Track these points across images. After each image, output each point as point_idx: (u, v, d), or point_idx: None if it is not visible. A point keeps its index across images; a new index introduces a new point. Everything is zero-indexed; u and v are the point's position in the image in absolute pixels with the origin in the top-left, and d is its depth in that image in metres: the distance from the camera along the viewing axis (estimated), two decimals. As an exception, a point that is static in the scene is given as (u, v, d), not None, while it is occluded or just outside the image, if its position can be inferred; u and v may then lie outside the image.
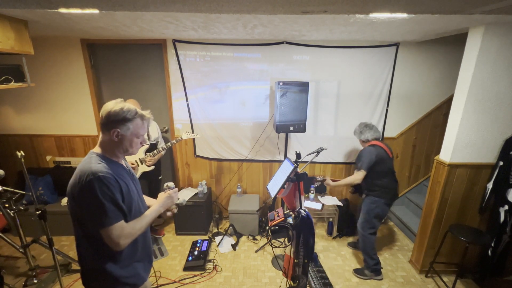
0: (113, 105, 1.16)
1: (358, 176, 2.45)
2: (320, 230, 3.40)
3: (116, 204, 1.11)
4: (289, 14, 1.79)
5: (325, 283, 2.50)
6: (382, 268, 2.61)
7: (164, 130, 3.24)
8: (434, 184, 2.48)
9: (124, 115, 1.15)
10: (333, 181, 2.66)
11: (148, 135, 2.86)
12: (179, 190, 3.37)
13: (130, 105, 1.19)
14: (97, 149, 1.21)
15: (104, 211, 1.07)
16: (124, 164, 1.31)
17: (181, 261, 2.81)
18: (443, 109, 3.26)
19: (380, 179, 2.45)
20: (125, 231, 1.13)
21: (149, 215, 1.28)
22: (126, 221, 1.17)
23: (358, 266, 2.73)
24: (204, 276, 2.60)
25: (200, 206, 3.16)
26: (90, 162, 1.13)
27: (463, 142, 2.26)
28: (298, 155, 1.96)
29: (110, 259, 1.19)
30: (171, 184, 1.47)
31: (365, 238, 2.52)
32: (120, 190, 1.14)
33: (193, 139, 3.38)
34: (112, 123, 1.15)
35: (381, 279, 2.56)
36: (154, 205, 1.34)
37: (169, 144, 2.86)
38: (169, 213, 1.45)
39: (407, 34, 2.57)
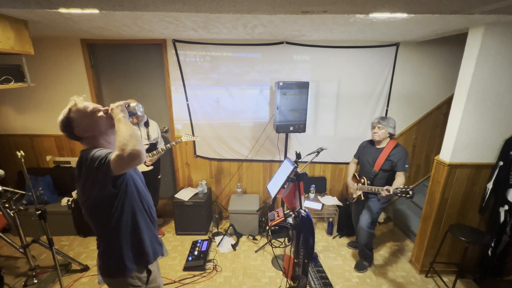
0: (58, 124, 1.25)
1: (404, 179, 2.38)
2: (320, 230, 3.40)
3: (106, 151, 1.16)
4: (289, 14, 1.79)
5: (325, 283, 2.50)
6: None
7: (164, 130, 3.24)
8: (434, 184, 2.48)
9: (61, 118, 1.23)
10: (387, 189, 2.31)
11: (148, 135, 2.86)
12: (178, 190, 3.37)
13: (63, 110, 1.26)
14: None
15: (101, 155, 1.12)
16: None
17: (181, 261, 2.81)
18: (443, 109, 3.26)
19: None
20: (119, 140, 1.10)
21: (118, 124, 1.16)
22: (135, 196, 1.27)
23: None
24: (204, 276, 2.60)
25: (200, 206, 3.16)
26: (83, 150, 1.22)
27: (463, 142, 2.26)
28: (298, 155, 1.96)
29: (126, 244, 1.27)
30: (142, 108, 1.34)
31: (370, 235, 2.57)
32: None
33: (193, 139, 3.39)
34: (69, 131, 1.23)
35: (372, 264, 2.76)
36: (115, 121, 1.20)
37: (168, 145, 2.86)
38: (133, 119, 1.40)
39: (407, 34, 2.57)
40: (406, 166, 2.38)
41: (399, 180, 2.39)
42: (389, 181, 2.47)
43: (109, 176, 1.12)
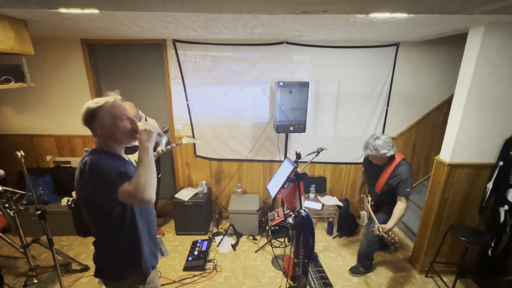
0: (82, 109, 1.19)
1: (406, 205, 2.16)
2: (320, 230, 3.40)
3: (118, 170, 1.13)
4: (289, 14, 1.79)
5: (325, 283, 2.50)
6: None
7: (164, 130, 3.24)
8: (434, 184, 2.48)
9: (91, 107, 1.16)
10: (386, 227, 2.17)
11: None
12: (178, 190, 3.37)
13: (95, 99, 1.20)
14: (94, 146, 1.25)
15: (113, 173, 1.11)
16: (126, 157, 1.32)
17: (181, 261, 2.81)
18: (443, 109, 3.26)
19: None
20: (136, 183, 1.08)
21: (141, 156, 1.14)
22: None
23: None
24: (204, 276, 2.60)
25: (200, 206, 3.16)
26: (86, 154, 1.20)
27: (463, 142, 2.26)
28: (298, 155, 1.96)
29: (125, 251, 1.25)
30: (141, 113, 1.29)
31: (372, 244, 2.47)
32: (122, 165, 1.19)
33: (193, 139, 3.39)
34: (88, 122, 1.18)
35: (372, 270, 2.67)
36: (139, 145, 1.17)
37: (168, 147, 2.86)
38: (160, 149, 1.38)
39: (407, 34, 2.57)
40: (408, 190, 2.14)
41: (399, 207, 2.16)
42: (393, 202, 2.23)
43: (114, 196, 1.11)
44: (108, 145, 1.22)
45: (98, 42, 3.07)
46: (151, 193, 1.10)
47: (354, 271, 2.64)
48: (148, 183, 1.10)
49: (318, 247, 3.07)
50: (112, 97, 1.22)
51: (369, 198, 2.44)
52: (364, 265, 2.61)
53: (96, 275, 1.31)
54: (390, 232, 2.09)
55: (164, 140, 1.31)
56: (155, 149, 2.87)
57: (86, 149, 1.24)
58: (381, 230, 2.06)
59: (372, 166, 2.35)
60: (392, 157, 2.23)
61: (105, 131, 1.19)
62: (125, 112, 1.21)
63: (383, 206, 2.41)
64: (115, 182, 1.09)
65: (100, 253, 1.29)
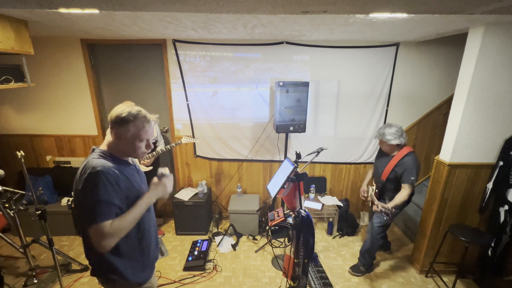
0: (120, 107, 1.19)
1: (409, 191, 2.25)
2: (320, 230, 3.40)
3: (109, 202, 1.11)
4: (289, 14, 1.79)
5: (325, 283, 2.50)
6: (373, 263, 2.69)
7: (164, 130, 3.24)
8: (434, 184, 2.48)
9: (123, 116, 1.16)
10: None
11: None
12: (178, 190, 3.37)
13: (135, 108, 1.20)
14: (102, 146, 1.24)
15: (95, 208, 1.09)
16: (130, 160, 1.33)
17: (181, 261, 2.81)
18: (443, 109, 3.26)
19: None
20: (112, 227, 1.10)
21: (138, 206, 1.20)
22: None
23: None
24: (204, 276, 2.60)
25: (200, 206, 3.16)
26: (91, 157, 1.18)
27: (463, 142, 2.26)
28: (298, 155, 1.96)
29: (112, 253, 1.21)
30: (165, 170, 1.37)
31: (376, 240, 2.48)
32: (118, 182, 1.15)
33: (193, 139, 3.39)
34: (113, 124, 1.18)
35: (371, 271, 2.66)
36: (146, 194, 1.26)
37: (168, 146, 2.87)
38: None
39: (407, 34, 2.57)
40: (412, 178, 2.24)
41: (402, 193, 2.27)
42: (396, 191, 2.34)
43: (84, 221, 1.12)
44: (117, 150, 1.23)
45: (98, 42, 3.07)
46: (114, 241, 1.13)
47: (354, 269, 2.64)
48: (124, 232, 1.15)
49: (318, 247, 3.07)
50: (153, 116, 1.26)
51: (374, 187, 2.51)
52: (365, 264, 2.60)
53: (91, 274, 1.31)
54: (386, 207, 2.17)
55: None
56: (154, 149, 2.88)
57: (93, 147, 1.25)
58: (379, 206, 2.16)
59: (383, 155, 2.48)
60: (400, 147, 2.35)
61: (120, 141, 1.20)
62: (148, 135, 1.24)
63: (386, 194, 2.46)
64: (96, 217, 1.08)
65: (86, 251, 1.27)
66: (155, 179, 1.33)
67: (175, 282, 2.52)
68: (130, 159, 1.33)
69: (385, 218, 2.17)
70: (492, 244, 2.34)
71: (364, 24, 2.11)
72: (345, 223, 3.27)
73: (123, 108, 1.18)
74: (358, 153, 3.40)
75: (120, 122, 1.17)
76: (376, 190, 2.49)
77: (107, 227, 1.09)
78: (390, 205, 2.21)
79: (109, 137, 1.22)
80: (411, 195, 2.32)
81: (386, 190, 2.45)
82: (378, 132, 2.39)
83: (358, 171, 3.51)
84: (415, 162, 2.26)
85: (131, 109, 1.18)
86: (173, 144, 2.88)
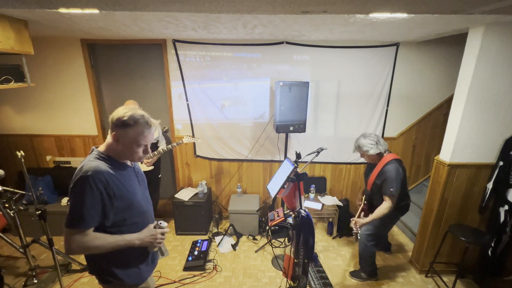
0: (122, 110, 1.17)
1: (389, 204, 2.15)
2: (320, 230, 3.40)
3: (88, 211, 1.09)
4: (289, 14, 1.79)
5: (325, 283, 2.50)
6: (378, 269, 2.57)
7: (164, 130, 3.24)
8: (434, 184, 2.48)
9: (124, 120, 1.15)
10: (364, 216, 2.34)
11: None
12: (178, 190, 3.37)
13: (138, 112, 1.18)
14: (102, 147, 1.23)
15: (74, 212, 1.09)
16: (129, 162, 1.32)
17: (181, 261, 2.81)
18: (443, 109, 3.26)
19: (401, 195, 2.24)
20: (84, 239, 1.11)
21: (117, 240, 1.18)
22: (103, 228, 1.17)
23: (358, 267, 2.73)
24: (204, 276, 2.60)
25: (200, 206, 3.16)
26: (89, 158, 1.18)
27: (463, 142, 2.26)
28: (298, 155, 1.96)
29: (107, 254, 1.20)
30: (164, 223, 1.33)
31: (366, 248, 2.41)
32: (108, 189, 1.13)
33: (193, 139, 3.39)
34: (114, 126, 1.17)
35: (376, 280, 2.55)
36: (132, 235, 1.23)
37: (169, 146, 2.87)
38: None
39: (407, 34, 2.57)
40: (391, 190, 2.12)
41: (382, 206, 2.18)
42: (382, 201, 2.25)
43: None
44: (115, 153, 1.22)
45: (98, 42, 3.07)
46: (81, 252, 1.16)
47: (354, 274, 2.59)
48: (91, 251, 1.17)
49: (318, 247, 3.07)
50: (156, 121, 1.24)
51: (363, 197, 2.47)
52: (365, 271, 2.54)
53: (89, 271, 1.32)
54: (358, 225, 2.23)
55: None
56: (155, 149, 2.87)
57: (93, 147, 1.24)
58: (354, 223, 2.22)
59: (369, 165, 2.42)
60: (381, 156, 2.25)
61: (118, 144, 1.19)
62: (147, 141, 1.22)
63: (374, 204, 2.37)
64: (71, 221, 1.09)
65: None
66: (151, 226, 1.31)
67: (175, 282, 2.52)
68: (130, 163, 1.32)
69: (353, 235, 2.25)
70: (492, 244, 2.34)
71: (364, 24, 2.11)
72: (345, 223, 3.27)
73: (125, 111, 1.16)
74: (358, 153, 3.39)
75: (120, 125, 1.15)
76: (365, 202, 2.44)
77: (77, 235, 1.10)
78: (368, 219, 2.21)
79: (109, 138, 1.21)
80: (397, 207, 2.24)
81: (374, 200, 2.37)
82: (354, 145, 2.31)
83: (358, 171, 3.51)
84: (395, 172, 2.13)
85: (133, 112, 1.16)
86: (175, 144, 2.88)
